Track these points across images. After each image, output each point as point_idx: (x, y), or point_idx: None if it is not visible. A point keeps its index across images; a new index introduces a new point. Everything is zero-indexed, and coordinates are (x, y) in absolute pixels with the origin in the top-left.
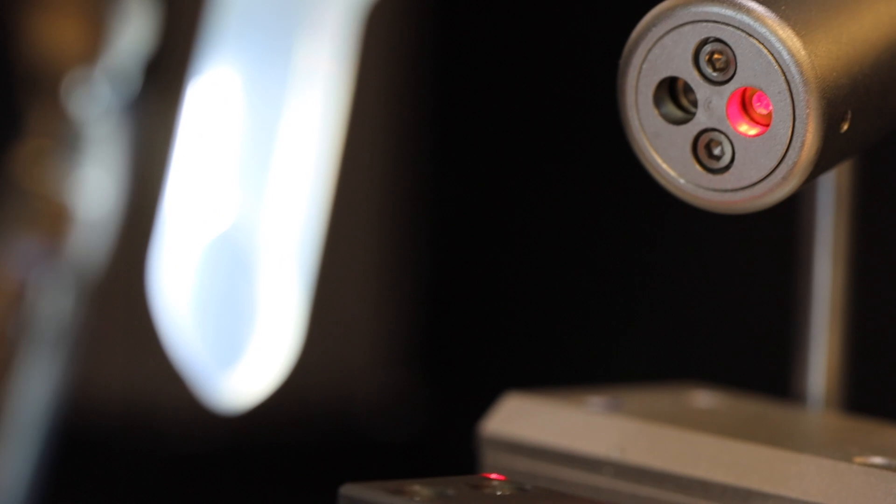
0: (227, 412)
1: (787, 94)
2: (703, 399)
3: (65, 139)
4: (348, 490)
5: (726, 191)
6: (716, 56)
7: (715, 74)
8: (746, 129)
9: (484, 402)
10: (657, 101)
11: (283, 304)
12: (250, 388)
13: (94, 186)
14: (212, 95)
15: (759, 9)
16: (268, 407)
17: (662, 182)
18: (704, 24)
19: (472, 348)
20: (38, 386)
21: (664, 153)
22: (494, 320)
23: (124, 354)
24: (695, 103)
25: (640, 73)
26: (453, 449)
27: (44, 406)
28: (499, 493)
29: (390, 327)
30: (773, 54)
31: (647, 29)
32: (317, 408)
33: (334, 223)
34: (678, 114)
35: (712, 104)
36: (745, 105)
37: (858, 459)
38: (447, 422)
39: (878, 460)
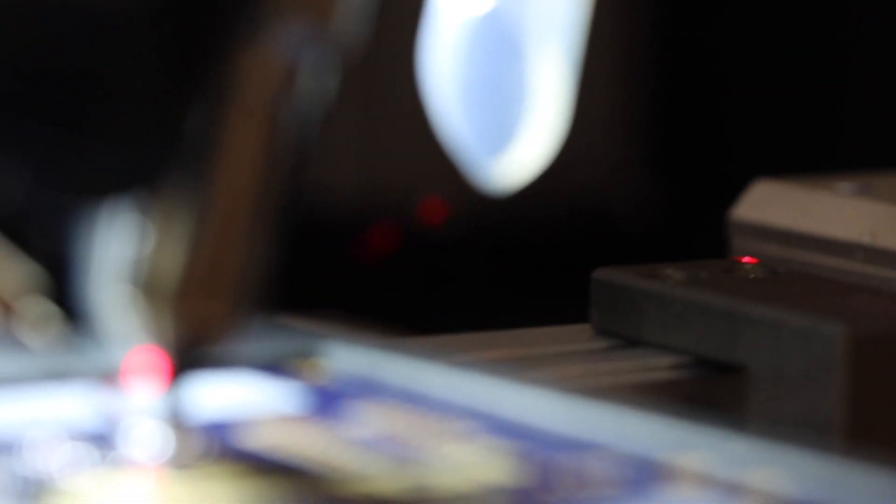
0: (491, 197)
1: None
2: None
3: None
4: (602, 274)
5: None
6: None
7: None
8: None
9: (731, 191)
10: None
11: (549, 91)
12: (513, 173)
13: None
14: None
15: None
16: (524, 195)
17: None
18: None
19: (715, 139)
20: (306, 165)
21: None
22: (739, 110)
23: (389, 138)
24: None
25: None
26: (702, 237)
27: (301, 187)
28: (751, 276)
29: (636, 121)
30: None
31: None
32: (566, 199)
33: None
34: None
35: None
36: None
37: None
38: (695, 212)
39: None
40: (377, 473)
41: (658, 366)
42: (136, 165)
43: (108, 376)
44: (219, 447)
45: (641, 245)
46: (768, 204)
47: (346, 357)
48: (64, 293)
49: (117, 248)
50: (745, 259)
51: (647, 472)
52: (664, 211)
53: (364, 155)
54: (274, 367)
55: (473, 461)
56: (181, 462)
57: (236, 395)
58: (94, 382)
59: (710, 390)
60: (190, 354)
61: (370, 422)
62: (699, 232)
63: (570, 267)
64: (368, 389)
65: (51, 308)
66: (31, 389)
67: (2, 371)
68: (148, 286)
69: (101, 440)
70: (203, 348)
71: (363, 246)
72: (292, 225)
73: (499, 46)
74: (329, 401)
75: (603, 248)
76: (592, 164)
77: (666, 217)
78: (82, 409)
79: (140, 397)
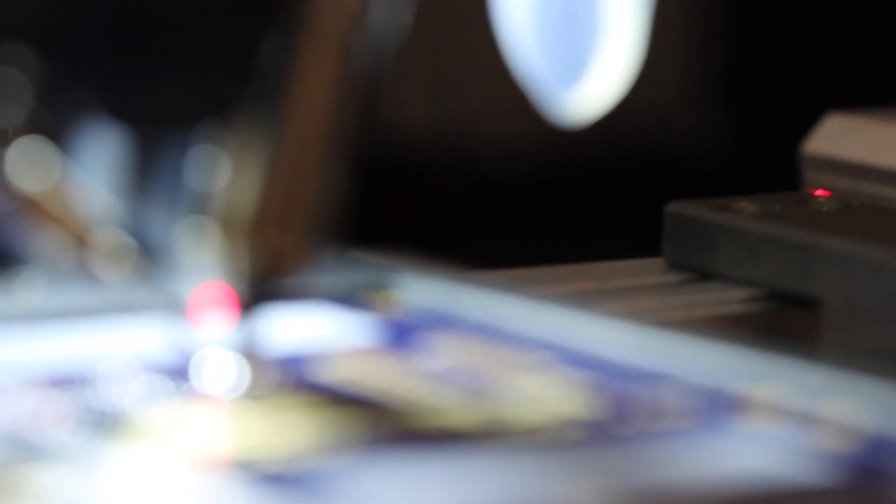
0: (564, 130)
1: None
2: None
3: None
4: (674, 207)
5: None
6: None
7: None
8: None
9: (804, 125)
10: None
11: (623, 23)
12: (587, 105)
13: None
14: None
15: None
16: (596, 129)
17: None
18: None
19: (787, 72)
20: (379, 98)
21: None
22: (811, 42)
23: (461, 73)
24: None
25: None
26: (775, 171)
27: (372, 119)
28: (825, 209)
29: (708, 54)
30: None
31: None
32: (638, 134)
33: None
34: None
35: None
36: None
37: None
38: (767, 146)
39: None
40: (451, 406)
41: (731, 299)
42: (211, 97)
43: (181, 309)
44: (293, 379)
45: (714, 179)
46: (841, 137)
47: (421, 290)
48: (138, 225)
49: (192, 181)
50: (819, 192)
51: (721, 404)
52: (737, 144)
53: (436, 90)
54: (348, 300)
55: (548, 394)
56: (255, 394)
57: (310, 328)
58: (168, 315)
59: (783, 323)
60: (264, 286)
61: (444, 354)
62: (771, 166)
63: (643, 201)
64: (443, 322)
65: (125, 240)
66: (106, 322)
67: (76, 304)
68: (222, 218)
69: (175, 373)
70: (277, 280)
71: (436, 181)
72: (366, 161)
73: None
74: (403, 334)
75: (675, 182)
76: (664, 97)
77: (738, 151)
78: (156, 342)
79: (213, 330)
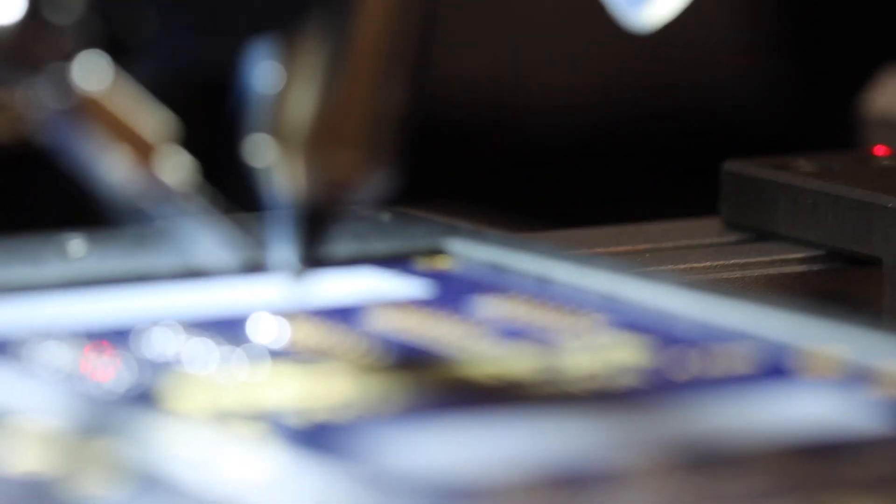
0: (636, 32)
1: None
2: None
3: None
4: (731, 166)
5: None
6: None
7: None
8: None
9: (861, 81)
10: None
11: None
12: (657, 13)
13: None
14: None
15: None
16: (650, 86)
17: None
18: None
19: (844, 26)
20: (435, 24)
21: None
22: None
23: (516, 29)
24: None
25: None
26: (833, 128)
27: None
28: (885, 165)
29: (763, 8)
30: None
31: None
32: (693, 91)
33: None
34: None
35: None
36: None
37: None
38: (824, 102)
39: None
40: (506, 356)
41: (790, 258)
42: (273, 9)
43: (234, 268)
44: (348, 334)
45: (770, 137)
46: None
47: (475, 249)
48: (201, 143)
49: (252, 95)
50: (879, 149)
51: (779, 360)
52: (795, 100)
53: (490, 46)
54: (403, 258)
55: (603, 348)
56: (306, 350)
57: (365, 284)
58: (224, 273)
59: (842, 283)
60: (325, 201)
61: (499, 312)
62: (830, 122)
63: (699, 159)
64: (497, 280)
65: (185, 159)
66: (161, 284)
67: (139, 267)
68: (282, 132)
69: (229, 330)
70: (337, 195)
71: (489, 136)
72: (419, 112)
73: None
74: (457, 291)
75: (732, 140)
76: (720, 54)
77: (796, 107)
78: (210, 300)
79: (267, 287)
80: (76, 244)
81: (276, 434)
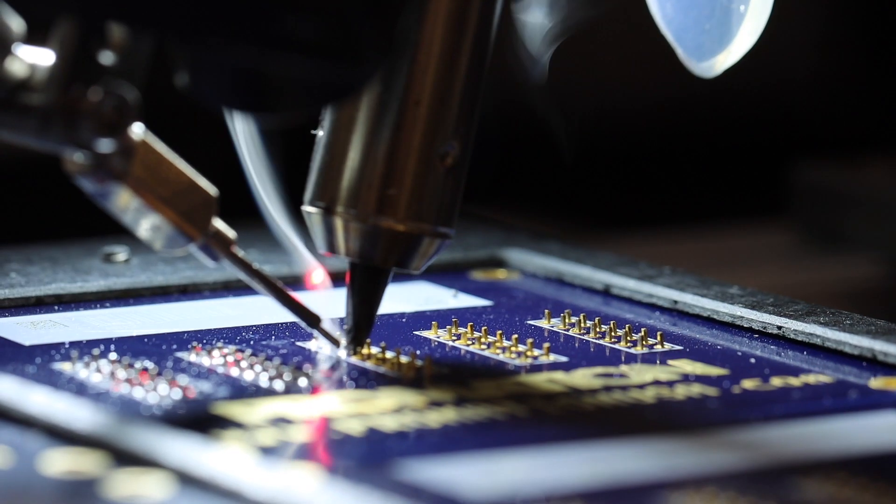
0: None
1: None
2: None
3: None
4: (801, 167)
5: None
6: None
7: None
8: None
9: None
10: None
11: None
12: (724, 59)
13: None
14: None
15: None
16: (718, 85)
17: None
18: None
19: None
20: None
21: None
22: None
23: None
24: None
25: None
26: None
27: None
28: None
29: (825, 5)
30: None
31: None
32: (763, 94)
33: None
34: None
35: None
36: None
37: None
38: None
39: None
40: (568, 370)
41: (860, 263)
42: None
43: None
44: (409, 344)
45: (841, 136)
46: None
47: (534, 256)
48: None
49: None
50: None
51: (851, 378)
52: (865, 99)
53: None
54: (460, 266)
55: (666, 362)
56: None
57: (422, 295)
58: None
59: None
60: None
61: (558, 319)
62: None
63: (767, 160)
64: (557, 292)
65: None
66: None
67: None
68: (325, 197)
69: (278, 339)
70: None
71: (556, 143)
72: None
73: None
74: (517, 303)
75: (803, 142)
76: (789, 56)
77: (868, 106)
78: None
79: (326, 299)
80: (121, 254)
81: (327, 445)
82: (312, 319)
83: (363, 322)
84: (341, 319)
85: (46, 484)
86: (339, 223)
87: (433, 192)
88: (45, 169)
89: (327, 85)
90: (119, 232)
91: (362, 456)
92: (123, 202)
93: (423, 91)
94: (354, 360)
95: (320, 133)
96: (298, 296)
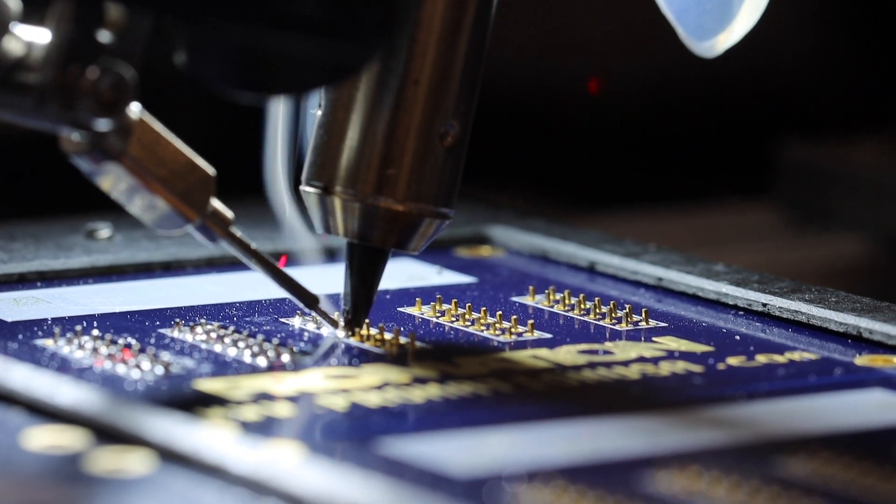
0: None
1: None
2: None
3: None
4: (788, 146)
5: None
6: None
7: None
8: None
9: None
10: None
11: None
12: (724, 40)
13: None
14: None
15: None
16: (702, 63)
17: None
18: None
19: None
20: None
21: None
22: None
23: (570, 10)
24: None
25: None
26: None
27: None
28: None
29: None
30: None
31: None
32: (751, 72)
33: None
34: None
35: None
36: None
37: None
38: (886, 79)
39: None
40: (552, 343)
41: (847, 242)
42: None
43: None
44: (393, 321)
45: (830, 115)
46: None
47: (519, 234)
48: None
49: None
50: None
51: (834, 353)
52: (854, 77)
53: (540, 20)
54: (449, 242)
55: (650, 338)
56: (356, 334)
57: (407, 272)
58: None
59: None
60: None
61: (541, 296)
62: (891, 100)
63: (754, 138)
64: (541, 269)
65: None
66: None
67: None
68: (323, 177)
69: (265, 316)
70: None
71: (537, 117)
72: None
73: None
74: (501, 280)
75: (790, 121)
76: (776, 35)
77: (855, 84)
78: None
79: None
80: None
81: (311, 421)
82: (310, 300)
83: (361, 303)
84: (337, 296)
85: (28, 460)
86: (337, 203)
87: (433, 171)
88: (27, 146)
89: (328, 64)
90: (102, 208)
91: (345, 432)
92: (120, 182)
93: (423, 70)
94: (339, 334)
95: (318, 112)
96: (296, 275)
